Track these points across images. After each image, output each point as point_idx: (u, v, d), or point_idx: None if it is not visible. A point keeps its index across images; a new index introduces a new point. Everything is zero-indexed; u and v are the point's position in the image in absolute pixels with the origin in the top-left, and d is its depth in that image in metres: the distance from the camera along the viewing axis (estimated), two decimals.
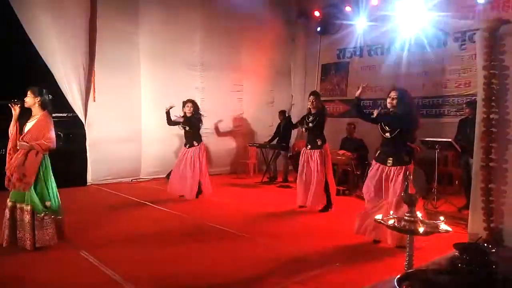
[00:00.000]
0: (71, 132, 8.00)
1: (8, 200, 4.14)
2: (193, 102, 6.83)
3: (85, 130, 7.94)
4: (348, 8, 9.66)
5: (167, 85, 8.81)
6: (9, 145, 4.17)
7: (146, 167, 8.82)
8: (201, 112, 6.94)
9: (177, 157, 7.82)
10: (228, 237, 4.80)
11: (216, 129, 9.61)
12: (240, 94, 10.20)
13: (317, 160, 5.93)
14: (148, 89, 8.77)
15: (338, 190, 7.20)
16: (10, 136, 4.20)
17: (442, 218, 2.84)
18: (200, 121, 6.87)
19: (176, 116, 6.88)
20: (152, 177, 8.80)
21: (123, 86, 8.43)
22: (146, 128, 8.71)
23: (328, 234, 4.95)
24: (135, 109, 8.65)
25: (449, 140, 6.17)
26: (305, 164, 6.08)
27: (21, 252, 4.02)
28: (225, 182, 8.61)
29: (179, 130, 7.30)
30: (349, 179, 7.56)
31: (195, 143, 6.81)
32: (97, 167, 8.09)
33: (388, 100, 4.41)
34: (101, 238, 4.67)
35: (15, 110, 4.16)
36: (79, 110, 7.83)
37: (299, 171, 6.20)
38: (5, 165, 4.15)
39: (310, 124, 6.03)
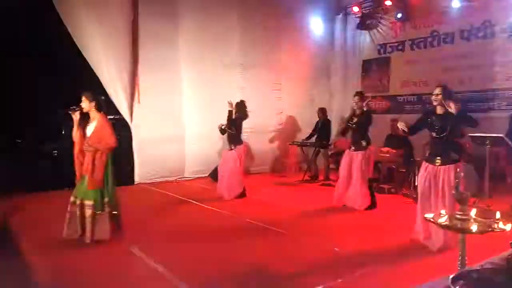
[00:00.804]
0: (119, 134, 8.30)
1: (71, 196, 4.43)
2: (237, 104, 6.91)
3: (131, 132, 8.25)
4: (388, 2, 9.46)
5: (207, 85, 8.99)
6: (76, 150, 4.45)
7: (190, 166, 9.04)
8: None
9: (219, 156, 7.98)
10: (271, 235, 4.86)
11: (255, 129, 9.67)
12: (279, 92, 10.22)
13: (361, 162, 5.88)
14: (189, 90, 8.96)
15: (383, 188, 7.09)
16: (75, 141, 4.47)
17: (498, 215, 2.74)
18: (241, 120, 6.91)
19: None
20: (196, 176, 9.00)
21: (165, 87, 8.66)
22: (189, 128, 8.92)
23: (372, 233, 4.89)
24: (177, 109, 8.87)
25: (501, 135, 5.91)
26: (346, 165, 6.04)
27: (79, 245, 4.30)
28: (267, 181, 8.67)
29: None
30: (394, 177, 7.40)
31: (232, 146, 6.90)
32: (143, 167, 8.40)
33: (433, 97, 4.35)
34: (150, 234, 4.87)
35: (76, 116, 4.42)
36: (125, 113, 8.15)
37: (340, 172, 6.16)
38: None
39: (354, 125, 6.00)
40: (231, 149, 6.89)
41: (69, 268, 3.81)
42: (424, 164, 4.43)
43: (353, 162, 5.96)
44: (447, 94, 4.30)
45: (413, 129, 4.68)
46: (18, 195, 6.97)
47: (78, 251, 4.25)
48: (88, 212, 4.34)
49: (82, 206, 4.38)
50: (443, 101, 4.25)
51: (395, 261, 3.92)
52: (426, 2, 8.91)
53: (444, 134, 4.25)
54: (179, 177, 8.87)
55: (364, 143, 5.94)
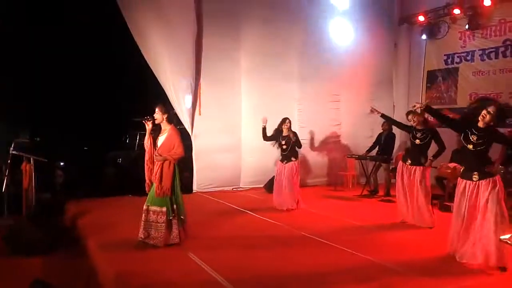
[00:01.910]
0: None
1: (145, 204, 4.69)
2: (290, 121, 6.94)
3: (191, 142, 8.50)
4: (456, 11, 9.02)
5: (265, 97, 9.06)
6: (146, 157, 4.73)
7: (245, 176, 9.13)
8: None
9: (274, 168, 7.95)
10: (327, 249, 4.74)
11: (312, 141, 9.57)
12: (338, 104, 10.04)
13: (419, 178, 5.58)
14: (248, 102, 9.10)
15: (448, 206, 6.67)
16: (146, 149, 4.75)
17: None
18: (299, 142, 6.94)
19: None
20: (251, 186, 9.06)
21: (225, 100, 8.88)
22: (246, 139, 9.02)
23: (434, 252, 4.58)
24: (235, 121, 9.03)
25: None
26: (403, 179, 5.74)
27: (140, 248, 4.52)
28: (323, 194, 8.50)
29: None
30: None
31: (293, 158, 6.88)
32: (201, 176, 8.62)
33: (484, 112, 4.08)
34: (207, 241, 4.96)
35: (148, 126, 4.69)
36: (186, 123, 8.44)
37: (397, 186, 5.89)
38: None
39: (418, 141, 5.70)
40: (291, 161, 6.86)
41: (130, 271, 3.96)
42: (461, 181, 4.26)
43: (412, 176, 5.66)
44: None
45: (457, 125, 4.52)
46: (84, 200, 7.39)
47: (139, 254, 4.43)
48: (162, 218, 4.58)
49: (147, 212, 4.63)
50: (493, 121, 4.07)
51: (456, 281, 3.69)
52: (498, 10, 8.40)
53: (480, 147, 4.08)
54: (234, 187, 8.97)
55: (423, 160, 5.65)
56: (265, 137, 7.03)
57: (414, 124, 5.79)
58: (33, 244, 4.95)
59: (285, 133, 6.91)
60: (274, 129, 7.03)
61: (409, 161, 5.74)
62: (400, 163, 5.91)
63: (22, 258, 4.74)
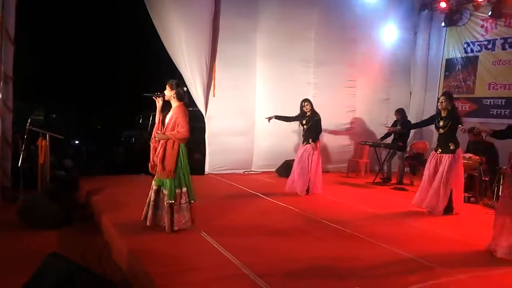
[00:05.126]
0: (195, 126, 8.65)
1: (153, 184, 4.45)
2: (310, 101, 6.83)
3: (205, 124, 8.49)
4: None
5: (280, 81, 9.01)
6: (153, 134, 4.45)
7: (257, 160, 9.12)
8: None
9: (287, 152, 7.91)
10: (340, 235, 4.72)
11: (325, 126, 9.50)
12: (353, 90, 9.89)
13: (447, 164, 5.52)
14: (263, 85, 9.03)
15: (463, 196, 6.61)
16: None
17: None
18: (320, 122, 6.81)
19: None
20: (262, 170, 9.06)
21: (240, 82, 8.80)
22: (259, 122, 8.97)
23: (448, 242, 4.55)
24: (249, 104, 8.98)
25: None
26: (432, 168, 5.68)
27: (158, 231, 4.42)
28: (336, 181, 8.47)
29: (289, 126, 7.30)
30: (475, 186, 6.85)
31: (310, 140, 6.80)
32: (214, 158, 8.62)
33: None
34: (219, 223, 4.95)
35: (159, 102, 4.44)
36: (201, 105, 8.41)
37: (424, 175, 5.82)
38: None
39: (441, 130, 5.65)
40: (309, 143, 6.78)
41: (143, 247, 3.97)
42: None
43: (439, 164, 5.60)
44: None
45: None
46: (98, 177, 7.47)
47: (152, 231, 4.41)
48: (166, 200, 4.33)
49: (158, 193, 4.38)
50: None
51: (471, 271, 3.62)
52: None
53: None
54: (246, 170, 8.98)
55: (452, 146, 5.57)
56: (289, 120, 6.98)
57: (440, 108, 5.71)
58: (47, 219, 5.04)
59: (308, 114, 6.81)
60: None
61: (439, 150, 5.69)
62: (432, 152, 5.87)
63: (37, 232, 4.84)
